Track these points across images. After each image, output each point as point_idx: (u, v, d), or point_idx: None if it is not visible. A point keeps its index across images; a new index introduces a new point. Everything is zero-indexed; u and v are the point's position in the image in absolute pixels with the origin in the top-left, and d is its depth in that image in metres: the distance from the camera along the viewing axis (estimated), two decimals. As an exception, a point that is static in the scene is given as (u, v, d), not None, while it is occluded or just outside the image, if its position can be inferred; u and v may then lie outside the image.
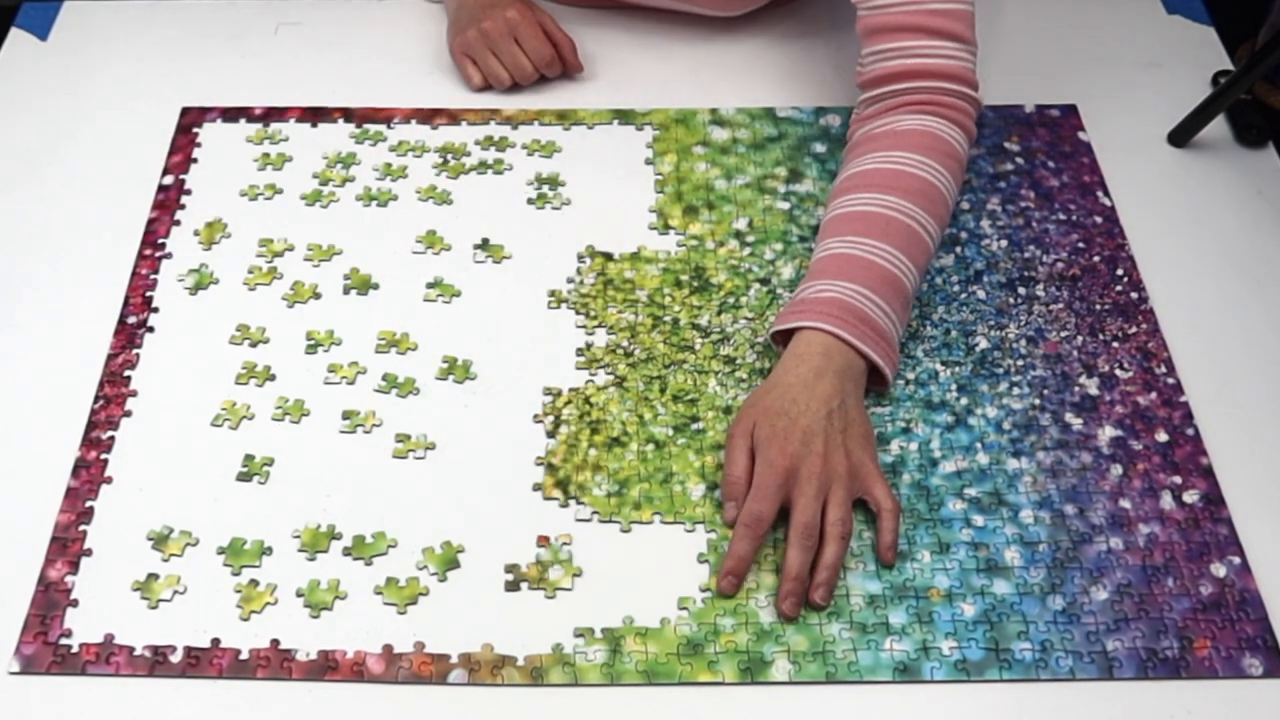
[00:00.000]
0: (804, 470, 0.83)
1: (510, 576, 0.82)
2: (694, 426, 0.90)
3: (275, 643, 0.80)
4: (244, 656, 0.79)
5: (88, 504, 0.86)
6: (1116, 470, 0.88)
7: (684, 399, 0.92)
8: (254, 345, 0.96)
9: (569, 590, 0.82)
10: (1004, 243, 1.02)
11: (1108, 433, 0.90)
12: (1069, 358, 0.95)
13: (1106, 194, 1.06)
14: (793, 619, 0.81)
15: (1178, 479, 0.88)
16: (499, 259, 1.01)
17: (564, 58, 1.13)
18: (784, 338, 0.90)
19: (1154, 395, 0.92)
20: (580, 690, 0.78)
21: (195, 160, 1.09)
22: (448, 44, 1.15)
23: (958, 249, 1.01)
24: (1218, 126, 1.10)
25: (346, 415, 0.91)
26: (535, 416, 0.91)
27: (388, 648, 0.80)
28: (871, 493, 0.84)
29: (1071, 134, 1.11)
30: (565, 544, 0.84)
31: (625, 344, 0.95)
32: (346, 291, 0.99)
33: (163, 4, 1.24)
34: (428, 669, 0.79)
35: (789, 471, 0.83)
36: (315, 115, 1.12)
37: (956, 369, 0.94)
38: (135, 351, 0.95)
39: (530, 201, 1.06)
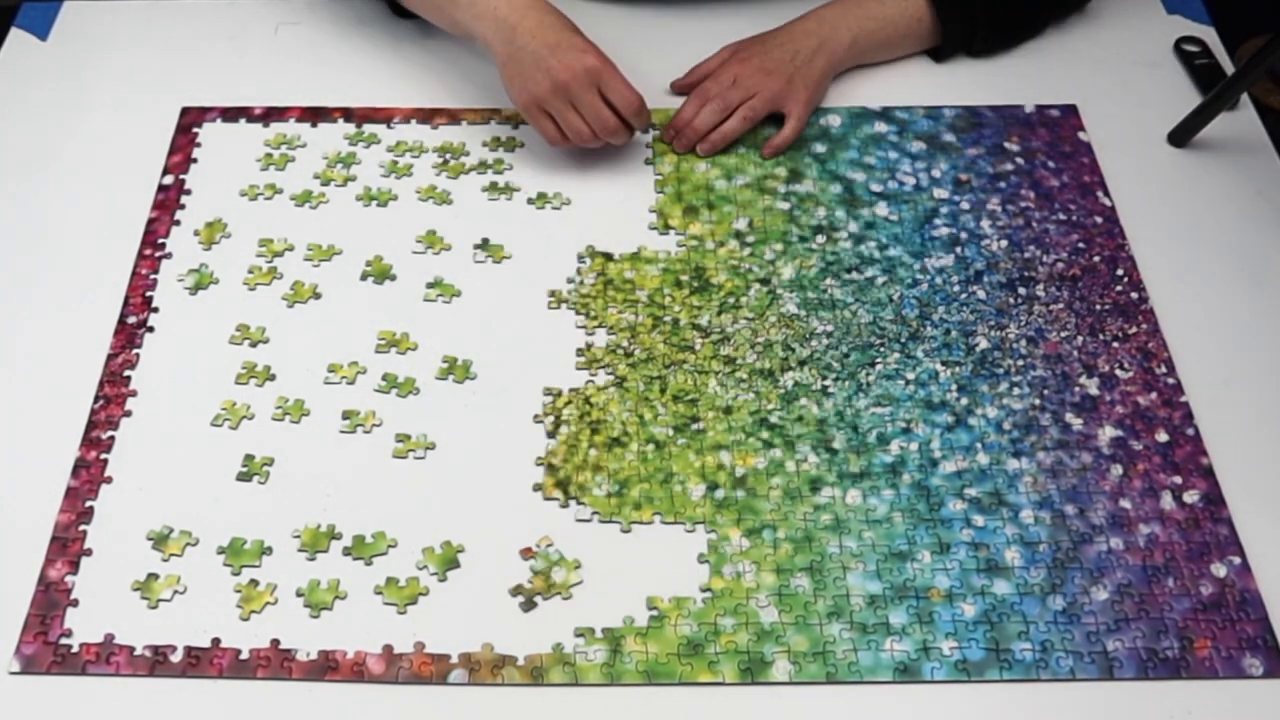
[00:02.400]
0: (745, 68, 1.08)
1: (521, 598, 0.82)
2: (694, 426, 0.90)
3: (275, 643, 0.80)
4: (244, 656, 0.79)
5: (88, 504, 0.86)
6: (1117, 470, 0.88)
7: (684, 399, 0.92)
8: (254, 345, 0.96)
9: (579, 584, 0.82)
10: (1004, 243, 1.02)
11: (1108, 433, 0.90)
12: (1069, 358, 0.95)
13: (1106, 194, 1.06)
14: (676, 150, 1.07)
15: (1178, 479, 0.88)
16: (499, 259, 1.01)
17: (636, 125, 1.04)
18: None
19: (1154, 395, 0.92)
20: (580, 690, 0.78)
21: (195, 160, 1.09)
22: (507, 90, 1.03)
23: (958, 249, 1.01)
24: (1218, 126, 1.10)
25: (346, 415, 0.91)
26: (535, 416, 0.91)
27: (388, 648, 0.80)
28: (789, 109, 1.07)
29: (1071, 134, 1.11)
30: (549, 545, 0.84)
31: (625, 344, 0.95)
32: (364, 278, 1.00)
33: (163, 4, 1.24)
34: (428, 669, 0.79)
35: (734, 62, 1.09)
36: (315, 115, 1.12)
37: (957, 369, 0.94)
38: (135, 351, 0.95)
39: (530, 201, 1.06)
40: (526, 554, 0.84)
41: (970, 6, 1.13)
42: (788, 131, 1.07)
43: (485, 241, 1.03)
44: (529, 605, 0.82)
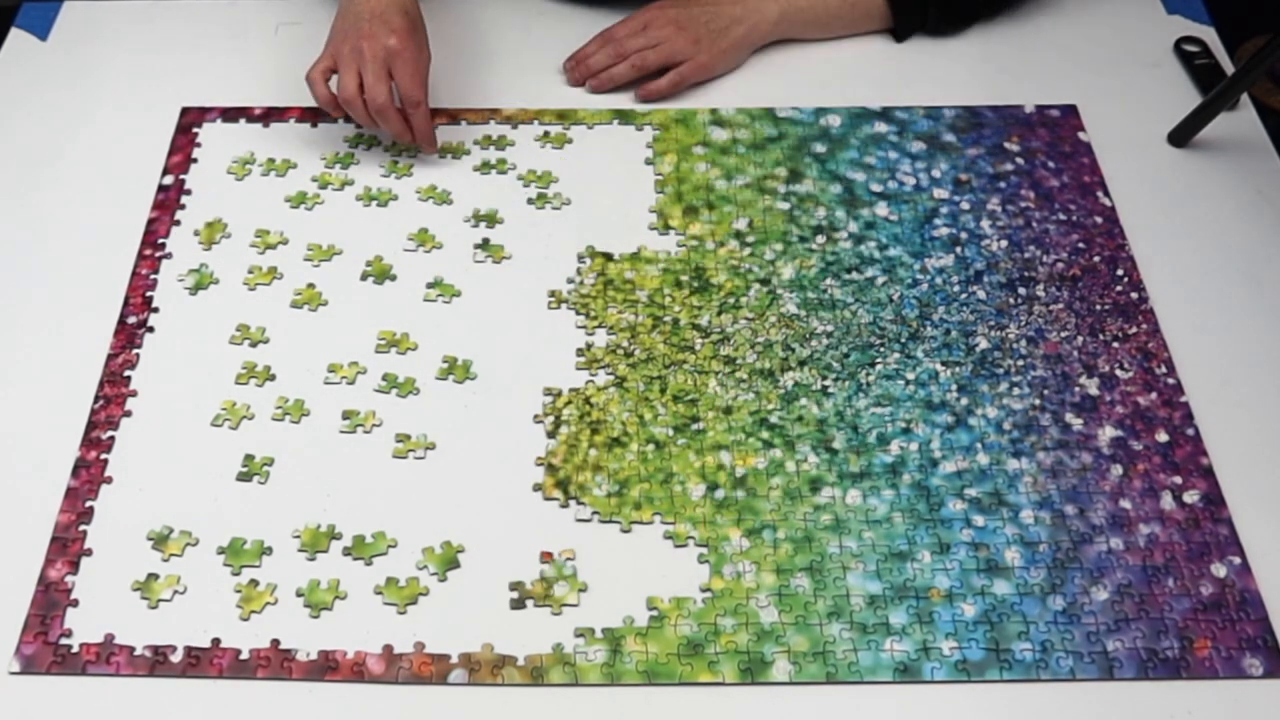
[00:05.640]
0: (659, 17, 1.11)
1: (515, 594, 0.82)
2: (694, 427, 0.90)
3: (275, 643, 0.80)
4: (244, 656, 0.79)
5: (88, 504, 0.86)
6: (1117, 470, 0.88)
7: (684, 399, 0.92)
8: (254, 345, 0.96)
9: (575, 606, 0.82)
10: (1004, 243, 1.02)
11: (1108, 433, 0.90)
12: (1069, 358, 0.95)
13: (1106, 194, 1.06)
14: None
15: (1178, 479, 0.88)
16: (499, 259, 1.02)
17: (414, 123, 1.04)
18: None
19: (1154, 395, 0.92)
20: (580, 690, 0.78)
21: (195, 160, 1.09)
22: (329, 35, 1.06)
23: (958, 249, 1.01)
24: (1218, 126, 1.10)
25: (346, 415, 0.91)
26: (535, 417, 0.91)
27: (388, 648, 0.80)
28: (681, 65, 1.11)
29: (1071, 134, 1.11)
30: (569, 559, 0.84)
31: (625, 344, 0.95)
32: (364, 278, 1.00)
33: (163, 4, 1.24)
34: (428, 669, 0.79)
35: (654, 9, 1.12)
36: (315, 115, 1.12)
37: (957, 369, 0.94)
38: (135, 351, 0.95)
39: (530, 201, 1.06)
40: (546, 557, 0.84)
41: None
42: (663, 81, 1.11)
43: (485, 241, 1.03)
44: (518, 605, 0.81)
